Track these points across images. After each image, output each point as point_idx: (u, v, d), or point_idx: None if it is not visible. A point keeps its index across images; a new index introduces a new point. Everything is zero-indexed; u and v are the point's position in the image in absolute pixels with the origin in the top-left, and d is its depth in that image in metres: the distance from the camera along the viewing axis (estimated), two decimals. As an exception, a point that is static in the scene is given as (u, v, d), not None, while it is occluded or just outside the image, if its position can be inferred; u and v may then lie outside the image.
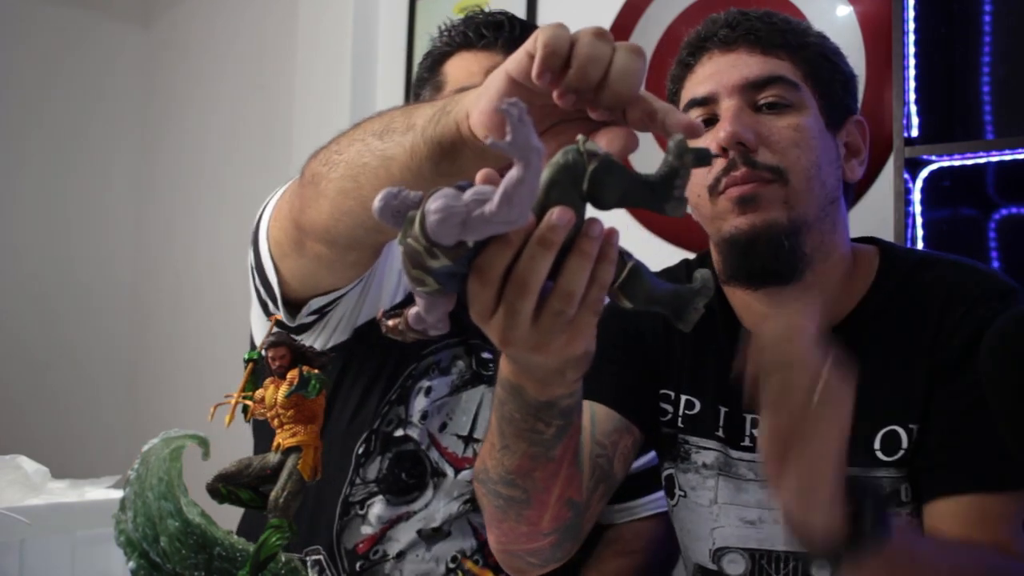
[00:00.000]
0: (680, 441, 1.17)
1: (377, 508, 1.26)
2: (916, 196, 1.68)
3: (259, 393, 0.72)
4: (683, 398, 1.17)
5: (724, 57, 1.10)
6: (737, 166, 1.05)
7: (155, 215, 3.18)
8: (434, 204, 0.59)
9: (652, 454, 1.34)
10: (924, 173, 1.68)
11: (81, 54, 3.06)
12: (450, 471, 1.28)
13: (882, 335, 1.09)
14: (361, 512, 1.26)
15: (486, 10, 1.35)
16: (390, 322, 0.66)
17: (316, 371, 0.72)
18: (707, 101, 1.09)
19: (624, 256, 0.67)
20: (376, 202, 0.61)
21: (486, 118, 0.72)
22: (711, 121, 1.09)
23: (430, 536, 1.27)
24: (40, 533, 1.15)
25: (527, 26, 1.33)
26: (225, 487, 0.74)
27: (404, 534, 1.26)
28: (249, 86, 2.92)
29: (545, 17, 2.35)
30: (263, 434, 1.33)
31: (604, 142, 0.68)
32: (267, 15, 2.88)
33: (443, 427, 1.29)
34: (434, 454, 1.28)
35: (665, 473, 1.20)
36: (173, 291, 3.13)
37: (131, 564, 0.69)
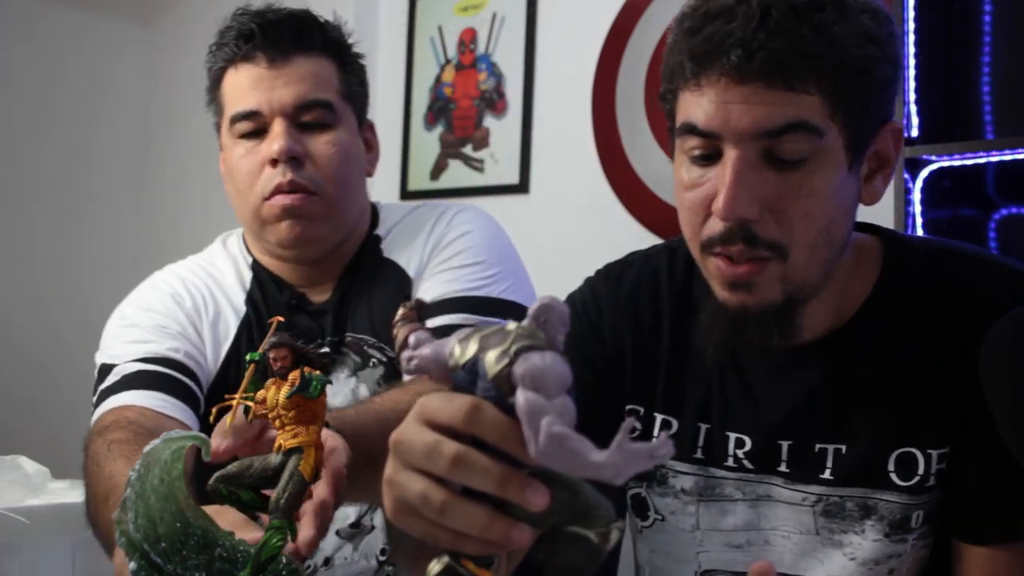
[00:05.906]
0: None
1: None
2: (916, 196, 1.69)
3: (260, 394, 0.72)
4: (659, 417, 1.07)
5: (736, 88, 0.87)
6: (735, 239, 0.90)
7: (156, 216, 3.17)
8: (551, 427, 0.51)
9: None
10: (924, 173, 1.68)
11: (81, 54, 3.06)
12: None
13: (893, 341, 0.98)
14: None
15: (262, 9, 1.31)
16: None
17: (317, 372, 0.71)
18: (711, 136, 0.90)
19: None
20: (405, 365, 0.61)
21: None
22: (711, 156, 0.91)
23: (352, 535, 1.24)
24: (40, 533, 1.15)
25: (281, 23, 1.27)
26: (226, 488, 0.74)
27: (323, 539, 1.25)
28: (249, 86, 2.92)
29: (545, 16, 2.35)
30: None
31: None
32: (267, 15, 2.88)
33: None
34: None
35: (632, 492, 1.09)
36: (173, 291, 3.12)
37: (132, 565, 0.69)
